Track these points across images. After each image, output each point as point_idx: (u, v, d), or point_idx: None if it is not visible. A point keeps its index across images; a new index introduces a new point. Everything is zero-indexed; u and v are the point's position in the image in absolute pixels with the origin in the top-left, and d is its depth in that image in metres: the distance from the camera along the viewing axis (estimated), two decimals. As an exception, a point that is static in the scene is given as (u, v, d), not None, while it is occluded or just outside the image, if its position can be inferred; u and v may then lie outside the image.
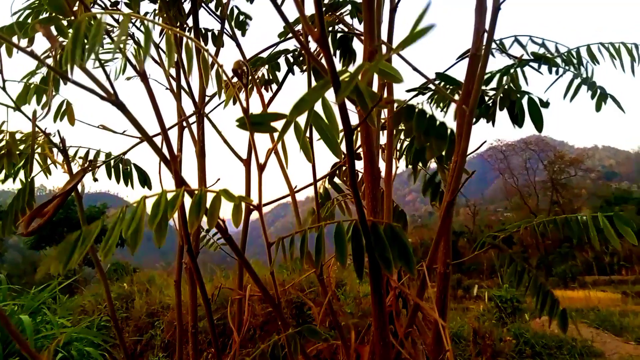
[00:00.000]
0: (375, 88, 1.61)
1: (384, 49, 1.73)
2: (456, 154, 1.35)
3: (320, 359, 4.91)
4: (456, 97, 1.86)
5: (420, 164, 1.72)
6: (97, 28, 0.71)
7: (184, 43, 0.89)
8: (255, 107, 1.86)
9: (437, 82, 1.80)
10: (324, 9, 2.14)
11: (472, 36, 1.53)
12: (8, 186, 1.94)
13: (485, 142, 1.46)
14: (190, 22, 1.92)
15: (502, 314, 10.05)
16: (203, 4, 1.96)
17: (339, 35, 2.05)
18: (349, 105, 2.01)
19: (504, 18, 1.56)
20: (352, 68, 2.24)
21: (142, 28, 1.99)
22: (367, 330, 1.69)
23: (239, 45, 1.87)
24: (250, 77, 1.72)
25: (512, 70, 1.75)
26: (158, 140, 1.49)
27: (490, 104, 1.69)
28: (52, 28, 1.33)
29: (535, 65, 1.76)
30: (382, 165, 1.83)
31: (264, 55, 2.08)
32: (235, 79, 1.20)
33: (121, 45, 0.75)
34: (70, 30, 1.33)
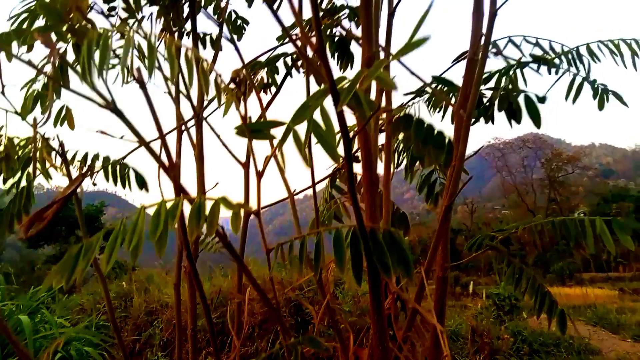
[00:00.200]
0: (373, 93, 1.61)
1: (381, 54, 1.73)
2: (454, 158, 1.36)
3: (319, 359, 4.92)
4: (454, 99, 1.87)
5: (417, 162, 1.73)
6: (104, 47, 0.71)
7: (183, 53, 0.89)
8: (254, 108, 1.87)
9: (434, 85, 1.81)
10: (321, 13, 2.15)
11: (469, 39, 1.53)
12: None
13: (482, 147, 1.46)
14: (188, 26, 1.93)
15: (500, 311, 10.08)
16: (201, 8, 1.96)
17: (337, 38, 2.06)
18: (347, 108, 2.01)
19: (503, 18, 1.57)
20: (350, 71, 2.25)
21: (140, 32, 1.99)
22: (366, 332, 1.70)
23: (237, 49, 1.88)
24: (248, 82, 1.72)
25: (511, 72, 1.76)
26: (157, 144, 1.49)
27: (489, 105, 1.70)
28: (52, 34, 1.34)
29: (535, 66, 1.77)
30: (380, 165, 1.84)
31: (263, 58, 2.08)
32: (233, 85, 1.21)
33: (128, 62, 0.76)
34: (70, 36, 1.33)
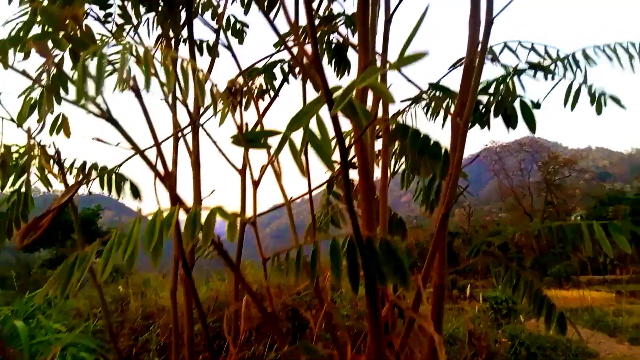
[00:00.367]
0: (370, 101, 1.61)
1: (378, 62, 1.73)
2: (451, 166, 1.36)
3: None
4: (453, 105, 1.87)
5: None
6: (100, 64, 0.71)
7: (179, 63, 0.89)
8: (252, 114, 1.86)
9: (432, 91, 1.82)
10: (317, 20, 2.16)
11: (466, 46, 1.53)
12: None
13: (480, 153, 1.46)
14: (185, 32, 1.93)
15: (497, 315, 10.09)
16: (198, 14, 1.96)
17: (334, 45, 2.06)
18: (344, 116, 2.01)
19: (502, 18, 1.55)
20: (347, 77, 2.26)
21: (136, 38, 1.99)
22: (364, 338, 1.69)
23: (234, 56, 1.87)
24: (245, 89, 1.72)
25: (508, 80, 1.76)
26: (154, 151, 1.49)
27: (485, 111, 1.71)
28: (49, 42, 1.33)
29: (532, 73, 1.78)
30: (377, 170, 1.84)
31: (260, 64, 2.08)
32: (229, 94, 1.21)
33: (124, 76, 0.75)
34: (67, 43, 1.33)
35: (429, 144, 1.38)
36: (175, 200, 1.09)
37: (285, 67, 2.13)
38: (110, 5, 2.01)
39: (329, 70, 2.23)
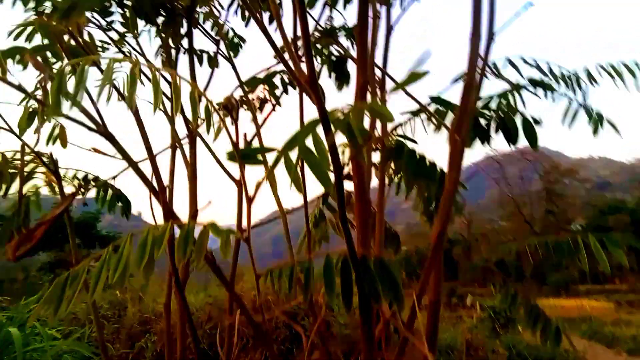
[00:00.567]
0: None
1: (378, 73, 1.73)
2: (448, 182, 1.35)
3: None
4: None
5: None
6: (80, 75, 0.71)
7: (173, 83, 0.89)
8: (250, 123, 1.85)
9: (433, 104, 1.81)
10: (318, 33, 2.16)
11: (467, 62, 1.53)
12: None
13: (475, 172, 1.45)
14: (185, 43, 1.92)
15: (496, 324, 10.04)
16: (199, 25, 1.96)
17: (333, 57, 2.06)
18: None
19: (501, 18, 1.52)
20: (346, 89, 2.25)
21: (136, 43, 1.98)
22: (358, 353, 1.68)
23: (234, 67, 1.87)
24: (245, 99, 1.71)
25: (509, 95, 1.76)
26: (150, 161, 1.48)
27: (486, 126, 1.70)
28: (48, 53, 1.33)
29: (532, 89, 1.78)
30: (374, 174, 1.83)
31: (260, 74, 2.08)
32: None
33: (107, 86, 0.75)
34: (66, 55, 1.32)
35: (424, 165, 1.37)
36: (169, 215, 1.08)
37: (286, 77, 2.13)
38: (112, 13, 2.01)
39: (329, 82, 2.23)
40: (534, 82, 1.68)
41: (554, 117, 2.16)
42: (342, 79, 2.09)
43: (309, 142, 0.86)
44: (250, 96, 2.04)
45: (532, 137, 1.54)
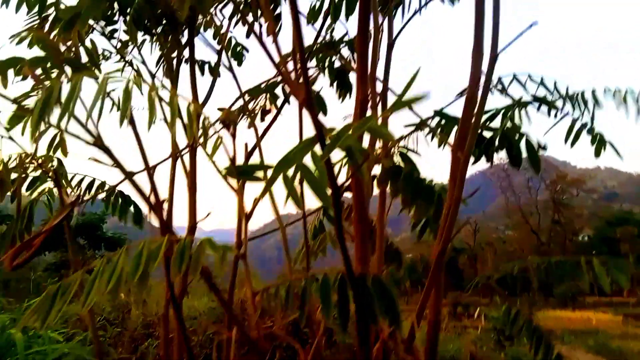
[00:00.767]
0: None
1: (379, 87, 1.72)
2: (449, 200, 1.33)
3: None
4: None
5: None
6: (72, 92, 0.70)
7: (170, 100, 0.88)
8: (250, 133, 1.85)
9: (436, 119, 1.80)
10: (318, 43, 2.15)
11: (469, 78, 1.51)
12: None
13: (479, 188, 1.44)
14: (186, 52, 1.93)
15: (501, 336, 9.94)
16: (200, 34, 1.96)
17: (336, 67, 2.05)
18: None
19: (501, 17, 1.54)
20: (348, 100, 2.24)
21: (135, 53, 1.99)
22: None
23: (235, 77, 1.87)
24: (245, 109, 1.70)
25: (511, 111, 1.74)
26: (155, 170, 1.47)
27: (489, 144, 1.68)
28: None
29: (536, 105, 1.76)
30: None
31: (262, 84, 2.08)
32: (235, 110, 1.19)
33: (97, 104, 0.74)
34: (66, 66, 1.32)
35: (422, 187, 1.36)
36: (165, 229, 1.07)
37: (287, 87, 2.13)
38: (116, 22, 2.01)
39: (330, 92, 2.22)
40: (538, 99, 1.66)
41: (560, 127, 2.15)
42: (343, 90, 2.08)
43: (307, 159, 0.85)
44: (251, 105, 2.04)
45: (535, 162, 1.54)
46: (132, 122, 1.07)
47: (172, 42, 1.82)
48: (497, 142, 1.67)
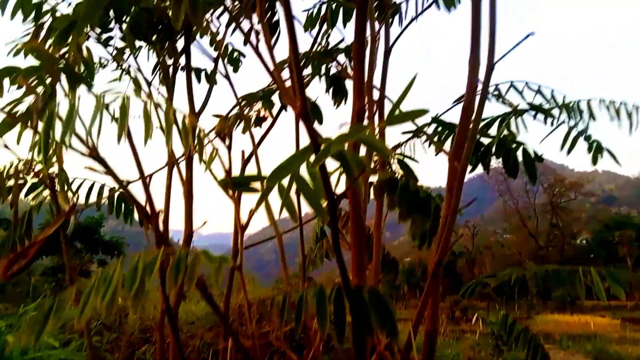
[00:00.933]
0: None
1: (376, 94, 1.72)
2: (446, 209, 1.32)
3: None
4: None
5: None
6: (70, 113, 0.70)
7: (165, 111, 0.87)
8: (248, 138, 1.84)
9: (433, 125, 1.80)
10: (315, 50, 2.15)
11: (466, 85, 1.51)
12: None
13: (475, 198, 1.43)
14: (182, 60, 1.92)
15: (499, 341, 9.92)
16: (197, 41, 1.96)
17: (332, 74, 2.06)
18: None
19: (500, 17, 1.53)
20: (344, 106, 2.24)
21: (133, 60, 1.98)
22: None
23: (231, 85, 1.87)
24: (241, 116, 1.70)
25: (508, 119, 1.74)
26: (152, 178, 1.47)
27: (485, 152, 1.68)
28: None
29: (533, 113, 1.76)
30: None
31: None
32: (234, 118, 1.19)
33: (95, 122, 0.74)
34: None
35: (418, 199, 1.35)
36: (161, 241, 1.07)
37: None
38: (112, 29, 2.01)
39: (326, 99, 2.22)
40: (534, 107, 1.66)
41: (558, 130, 2.15)
42: (339, 96, 2.08)
43: (303, 169, 0.84)
44: (248, 112, 2.03)
45: (531, 172, 1.54)
46: (128, 135, 1.07)
47: (169, 49, 1.82)
48: (493, 150, 1.67)
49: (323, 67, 2.10)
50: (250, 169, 1.89)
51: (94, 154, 1.04)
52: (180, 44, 1.93)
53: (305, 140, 1.87)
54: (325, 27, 2.14)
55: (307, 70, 2.16)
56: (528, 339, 1.58)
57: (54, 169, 1.83)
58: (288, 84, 1.67)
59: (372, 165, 1.74)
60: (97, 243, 19.87)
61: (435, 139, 1.80)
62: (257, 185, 0.94)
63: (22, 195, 1.88)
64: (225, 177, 0.91)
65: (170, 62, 1.90)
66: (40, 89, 1.24)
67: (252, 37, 1.55)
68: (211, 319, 6.64)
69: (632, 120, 1.66)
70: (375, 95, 1.74)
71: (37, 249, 1.38)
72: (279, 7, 1.97)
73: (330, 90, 2.13)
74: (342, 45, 2.20)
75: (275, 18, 2.05)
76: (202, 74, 2.05)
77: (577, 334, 17.63)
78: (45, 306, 0.92)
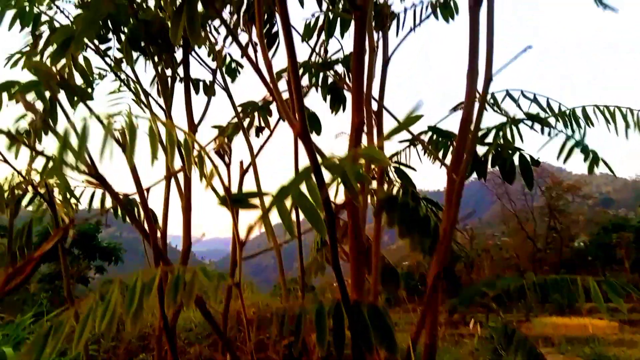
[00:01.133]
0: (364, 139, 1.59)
1: (375, 105, 1.72)
2: (445, 222, 1.32)
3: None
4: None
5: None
6: (82, 135, 0.70)
7: (167, 133, 0.87)
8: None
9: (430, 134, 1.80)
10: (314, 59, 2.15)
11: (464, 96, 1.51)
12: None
13: (474, 211, 1.43)
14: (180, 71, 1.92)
15: (498, 346, 9.89)
16: (195, 52, 1.96)
17: (330, 82, 2.06)
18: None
19: (501, 17, 1.54)
20: (342, 114, 2.24)
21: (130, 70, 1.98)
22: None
23: (230, 96, 1.87)
24: (239, 125, 1.69)
25: (505, 128, 1.75)
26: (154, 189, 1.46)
27: (482, 161, 1.69)
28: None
29: (529, 123, 1.76)
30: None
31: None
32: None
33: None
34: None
35: (417, 218, 1.35)
36: (159, 259, 1.06)
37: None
38: (109, 40, 2.01)
39: (324, 106, 2.22)
40: (531, 116, 1.66)
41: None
42: (337, 103, 2.09)
43: (303, 187, 0.84)
44: (246, 123, 2.03)
45: (528, 178, 1.54)
46: (125, 150, 1.06)
47: (167, 60, 1.82)
48: (490, 159, 1.67)
49: (320, 77, 2.11)
50: (249, 177, 1.90)
51: (93, 172, 1.03)
52: (178, 55, 1.94)
53: (304, 149, 1.87)
54: (323, 37, 2.15)
55: (305, 80, 2.17)
56: (527, 349, 1.58)
57: (54, 180, 1.83)
58: (286, 95, 1.67)
59: (370, 174, 1.74)
60: (94, 249, 19.78)
61: (432, 147, 1.81)
62: (255, 201, 0.94)
63: (22, 204, 1.88)
64: (224, 194, 0.91)
65: (168, 72, 1.90)
66: (39, 104, 1.24)
67: (250, 51, 1.56)
68: (209, 326, 6.64)
69: (627, 123, 1.66)
70: (374, 106, 1.75)
71: (34, 265, 1.37)
72: (277, 19, 1.97)
73: (328, 98, 2.13)
74: (340, 55, 2.21)
75: (275, 29, 2.06)
76: (201, 85, 2.05)
77: (575, 337, 17.61)
78: (43, 330, 0.92)
